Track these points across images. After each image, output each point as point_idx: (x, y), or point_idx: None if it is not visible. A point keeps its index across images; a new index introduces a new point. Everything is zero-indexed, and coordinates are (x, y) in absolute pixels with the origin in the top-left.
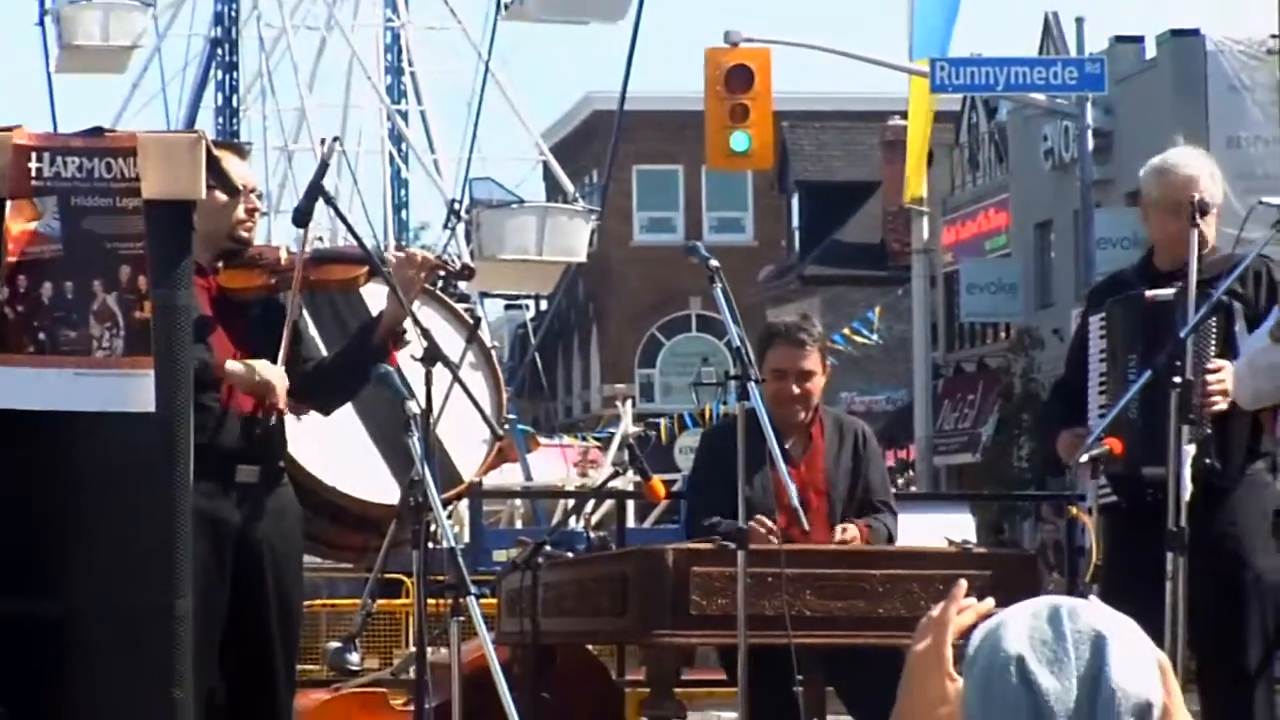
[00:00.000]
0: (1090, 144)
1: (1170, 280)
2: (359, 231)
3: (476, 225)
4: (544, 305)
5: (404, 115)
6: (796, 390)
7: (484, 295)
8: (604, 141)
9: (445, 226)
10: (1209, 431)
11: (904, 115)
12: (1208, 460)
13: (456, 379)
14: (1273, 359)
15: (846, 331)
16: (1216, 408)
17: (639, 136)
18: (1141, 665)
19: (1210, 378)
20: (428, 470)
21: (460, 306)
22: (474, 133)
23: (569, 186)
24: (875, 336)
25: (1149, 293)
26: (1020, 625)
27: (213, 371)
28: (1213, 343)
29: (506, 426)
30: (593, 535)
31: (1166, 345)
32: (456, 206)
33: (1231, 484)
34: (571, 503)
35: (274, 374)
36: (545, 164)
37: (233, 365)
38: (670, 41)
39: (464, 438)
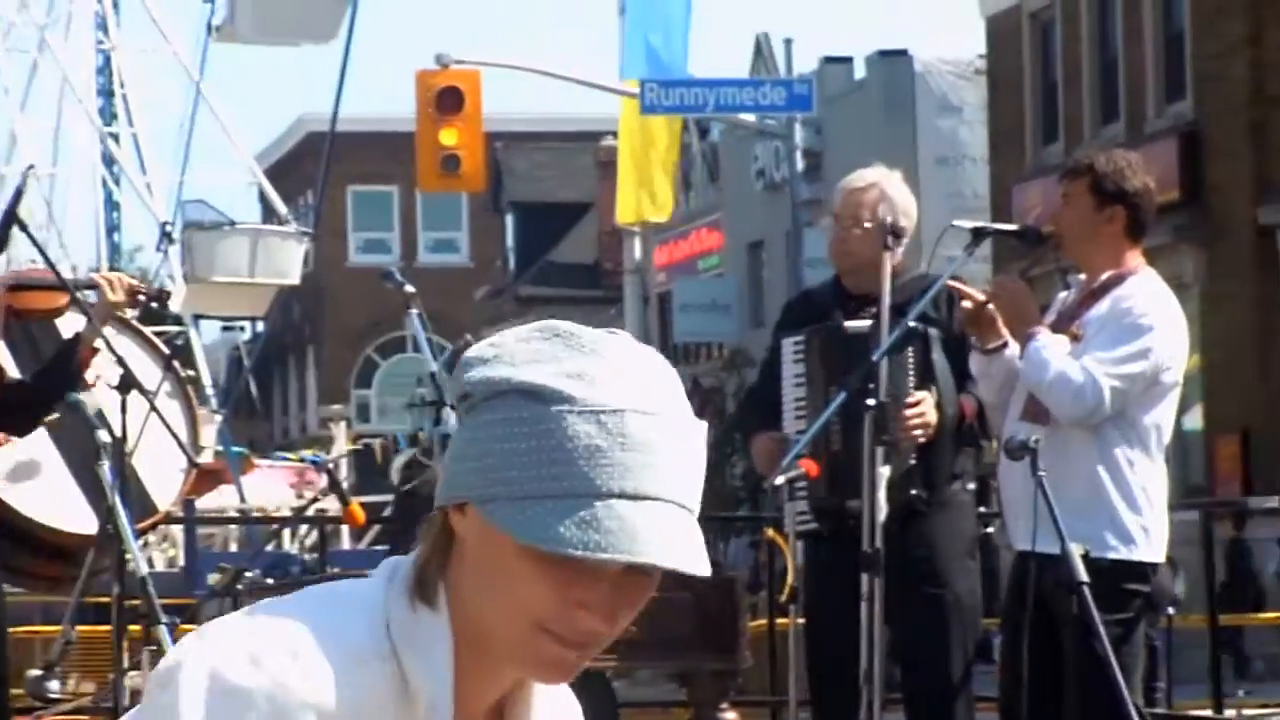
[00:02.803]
0: (800, 164)
1: (859, 302)
2: (70, 255)
3: (189, 248)
4: (260, 327)
5: (115, 138)
6: None
7: (198, 318)
8: (318, 163)
9: (158, 249)
10: (912, 462)
11: (618, 135)
12: (914, 491)
13: (153, 407)
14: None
15: None
16: (919, 439)
17: (353, 158)
18: None
19: (909, 411)
20: (118, 499)
21: (173, 329)
22: (186, 154)
23: (282, 209)
24: None
25: (848, 324)
26: None
27: None
28: (910, 372)
29: (220, 449)
30: (307, 558)
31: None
32: (169, 229)
33: (933, 508)
34: (278, 526)
35: None
36: (259, 186)
37: None
38: (384, 63)
39: (160, 466)
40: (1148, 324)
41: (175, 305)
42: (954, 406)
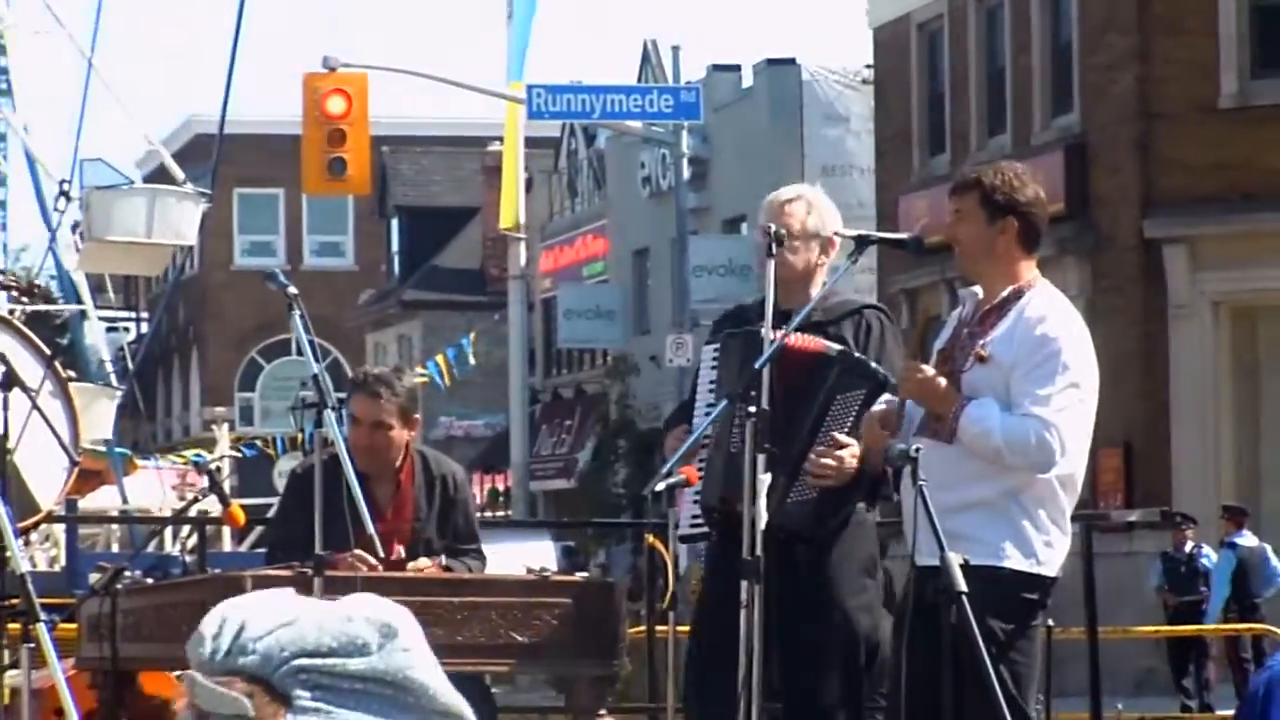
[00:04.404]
0: (686, 172)
1: (788, 318)
2: None
3: (86, 206)
4: (144, 328)
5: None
6: (368, 439)
7: (96, 308)
8: (206, 164)
9: (54, 209)
10: (813, 495)
11: (503, 141)
12: (807, 527)
13: (35, 406)
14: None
15: (440, 359)
16: (824, 483)
17: (240, 159)
18: None
19: (834, 451)
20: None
21: (66, 309)
22: (81, 115)
23: (179, 174)
24: (471, 362)
25: (765, 330)
26: None
27: None
28: (852, 415)
29: (104, 449)
30: (188, 559)
31: (793, 389)
32: (66, 187)
33: (827, 536)
34: (158, 527)
35: None
36: (154, 171)
37: None
38: (271, 65)
39: (42, 465)
40: (1065, 350)
41: (71, 264)
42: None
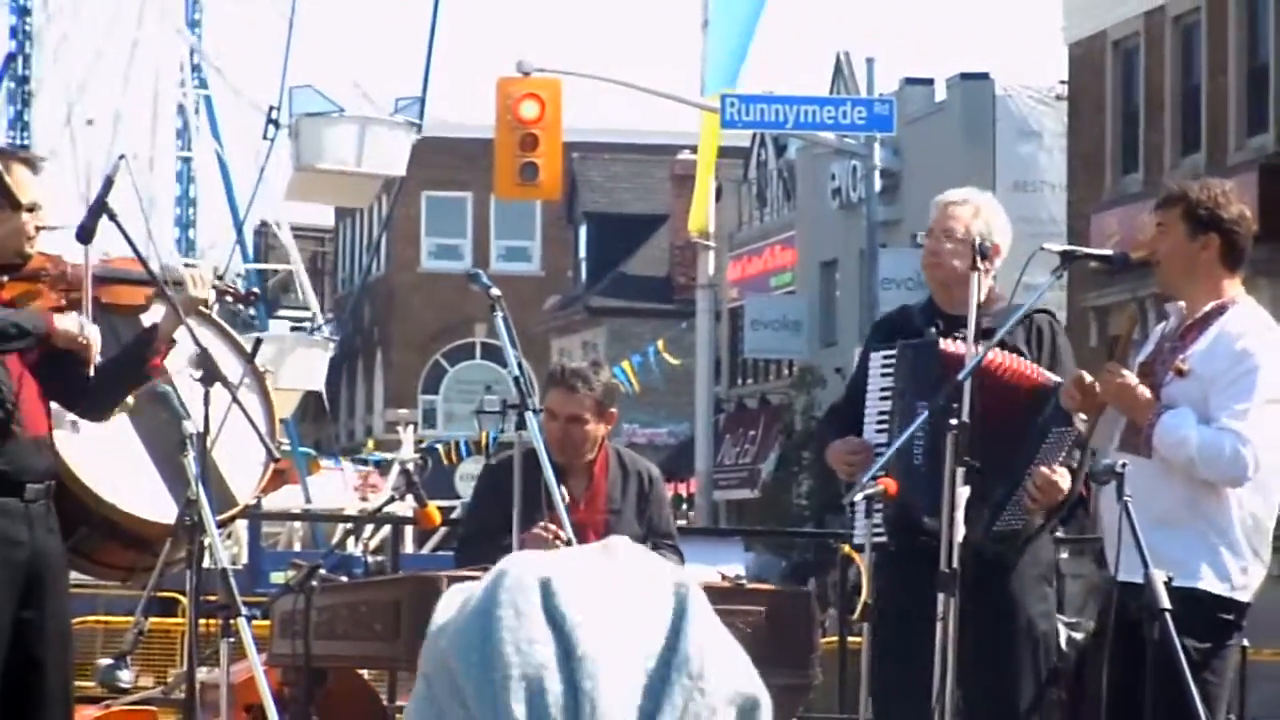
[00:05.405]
0: (878, 184)
1: (953, 322)
2: (144, 246)
3: (295, 133)
4: (328, 329)
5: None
6: (561, 433)
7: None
8: None
9: (264, 136)
10: (1018, 525)
11: (694, 150)
12: (1008, 555)
13: (235, 400)
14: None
15: (625, 365)
16: (1035, 508)
17: (428, 163)
18: None
19: (1052, 478)
20: (202, 490)
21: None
22: (289, 35)
23: (387, 108)
24: (676, 361)
25: (945, 345)
26: None
27: (44, 327)
28: (1066, 446)
29: (287, 448)
30: (370, 560)
31: (1003, 414)
32: (274, 115)
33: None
34: (348, 526)
35: (94, 332)
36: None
37: (61, 319)
38: (461, 69)
39: (240, 459)
40: (1265, 366)
41: (280, 193)
42: (1079, 483)
